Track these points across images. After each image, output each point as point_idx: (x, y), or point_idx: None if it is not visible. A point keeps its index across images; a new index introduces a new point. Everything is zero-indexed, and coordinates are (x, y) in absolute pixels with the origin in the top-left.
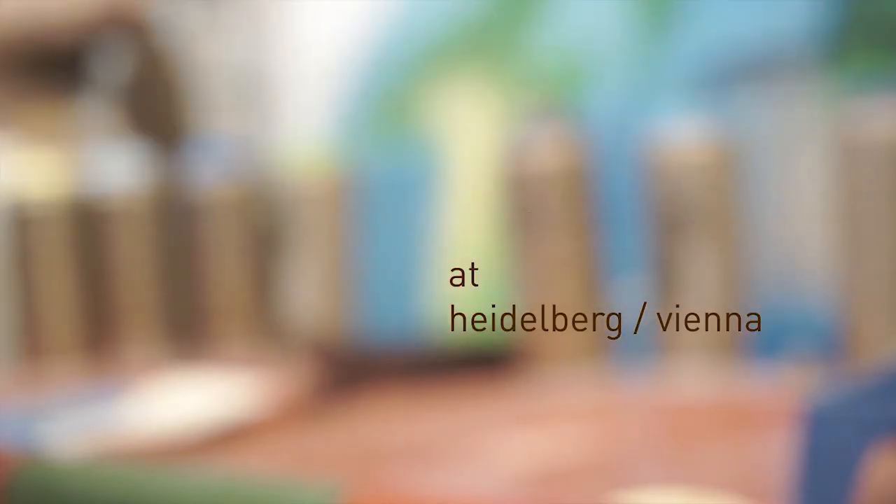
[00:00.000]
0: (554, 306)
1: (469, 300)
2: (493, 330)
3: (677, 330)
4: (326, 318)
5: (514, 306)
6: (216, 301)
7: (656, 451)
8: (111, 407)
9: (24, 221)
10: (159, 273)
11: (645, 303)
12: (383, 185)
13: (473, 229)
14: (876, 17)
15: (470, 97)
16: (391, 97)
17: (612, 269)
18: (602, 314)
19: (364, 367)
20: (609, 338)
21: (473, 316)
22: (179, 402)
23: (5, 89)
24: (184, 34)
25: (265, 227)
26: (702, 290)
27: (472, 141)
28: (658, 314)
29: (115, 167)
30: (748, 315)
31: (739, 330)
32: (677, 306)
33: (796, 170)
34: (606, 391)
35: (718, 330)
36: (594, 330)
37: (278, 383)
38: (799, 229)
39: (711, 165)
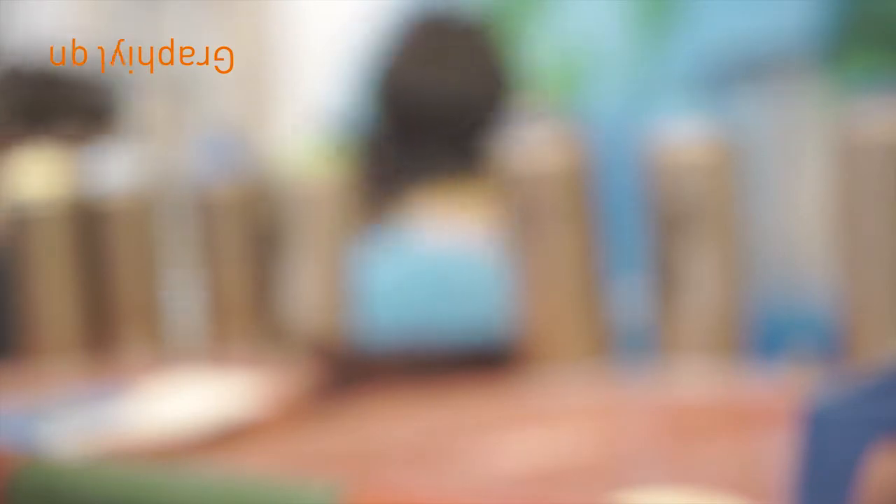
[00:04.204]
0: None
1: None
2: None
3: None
4: (326, 319)
5: (514, 305)
6: (216, 301)
7: (657, 450)
8: (111, 407)
9: (24, 221)
10: (157, 273)
11: (645, 302)
12: None
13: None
14: (875, 18)
15: None
16: None
17: (613, 268)
18: (602, 313)
19: (364, 368)
20: (609, 337)
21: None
22: (179, 401)
23: None
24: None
25: (265, 227)
26: (702, 290)
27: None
28: (658, 314)
29: (115, 167)
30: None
31: (739, 329)
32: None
33: (796, 170)
34: (606, 391)
35: (718, 330)
36: (594, 329)
37: (278, 383)
38: (799, 229)
39: (711, 165)
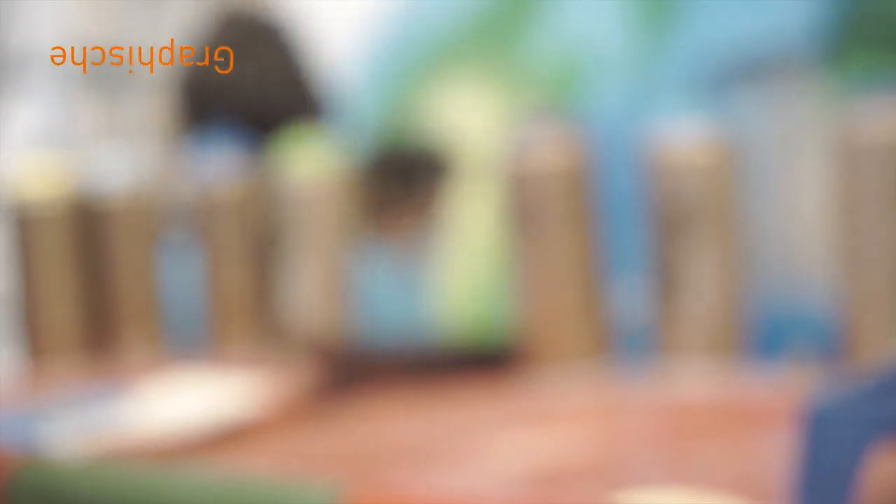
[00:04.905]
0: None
1: (470, 298)
2: (494, 328)
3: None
4: (326, 319)
5: (514, 305)
6: (216, 301)
7: (657, 450)
8: (111, 407)
9: (24, 221)
10: (157, 273)
11: (645, 302)
12: None
13: (475, 227)
14: (875, 18)
15: (471, 98)
16: (393, 98)
17: (612, 268)
18: (602, 313)
19: (364, 368)
20: (609, 337)
21: (474, 315)
22: (179, 402)
23: None
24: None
25: (265, 227)
26: (702, 290)
27: (473, 140)
28: (658, 314)
29: (115, 167)
30: (748, 315)
31: (739, 329)
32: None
33: (796, 170)
34: (606, 391)
35: (718, 330)
36: (594, 329)
37: (278, 383)
38: (799, 229)
39: (711, 165)
